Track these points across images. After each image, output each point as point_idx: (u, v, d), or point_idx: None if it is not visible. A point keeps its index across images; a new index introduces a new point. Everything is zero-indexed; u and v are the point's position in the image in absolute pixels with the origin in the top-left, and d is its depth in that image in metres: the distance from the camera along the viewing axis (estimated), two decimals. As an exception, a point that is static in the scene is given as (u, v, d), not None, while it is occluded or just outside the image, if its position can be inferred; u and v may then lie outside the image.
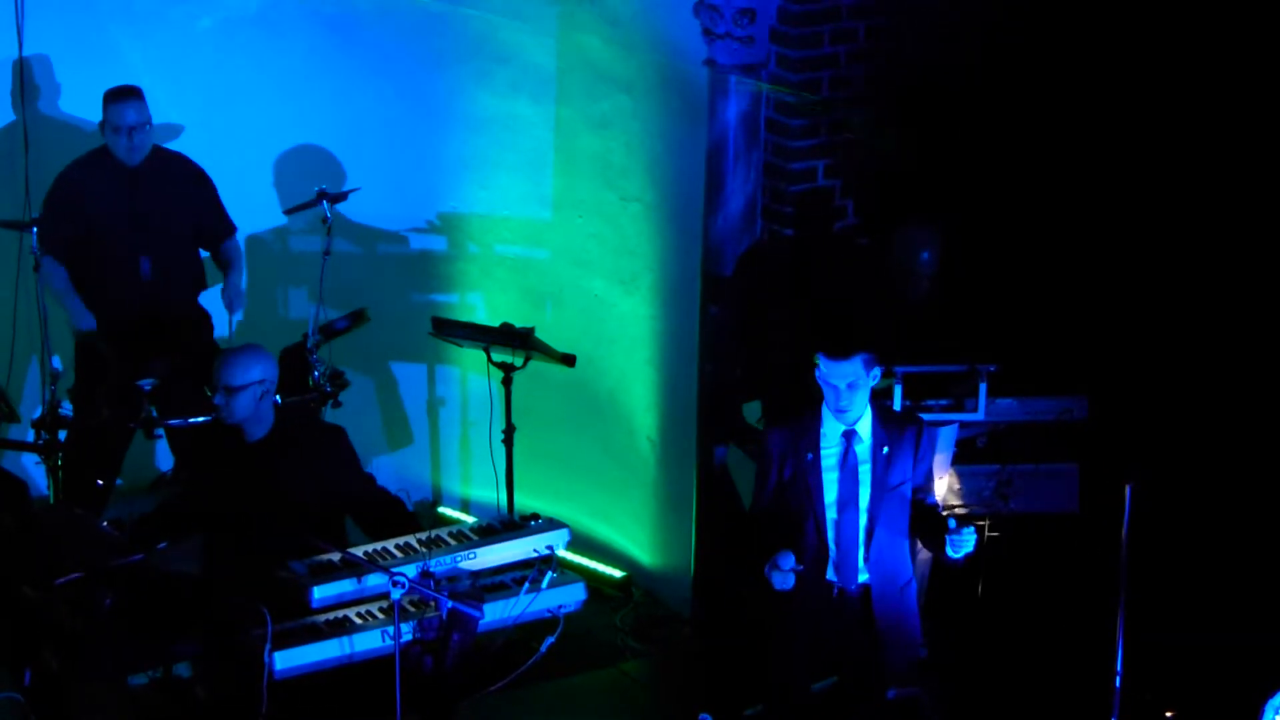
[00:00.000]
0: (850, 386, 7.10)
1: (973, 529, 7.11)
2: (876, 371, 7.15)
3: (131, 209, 8.89)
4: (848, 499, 7.20)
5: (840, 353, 7.08)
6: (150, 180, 8.93)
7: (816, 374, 7.15)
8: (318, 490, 7.54)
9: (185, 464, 8.92)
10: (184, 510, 7.70)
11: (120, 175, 8.87)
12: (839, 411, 7.15)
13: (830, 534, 7.22)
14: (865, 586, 7.28)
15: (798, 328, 8.66)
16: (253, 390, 7.50)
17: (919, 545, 7.48)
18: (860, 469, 7.21)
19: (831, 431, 7.22)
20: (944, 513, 7.48)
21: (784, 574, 7.10)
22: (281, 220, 9.61)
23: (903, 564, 7.33)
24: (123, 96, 8.80)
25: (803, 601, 7.25)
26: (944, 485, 7.94)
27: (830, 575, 7.26)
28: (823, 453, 7.22)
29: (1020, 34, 8.56)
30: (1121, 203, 8.55)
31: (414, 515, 7.92)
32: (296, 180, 9.55)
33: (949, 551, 7.12)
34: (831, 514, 7.22)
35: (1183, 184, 8.35)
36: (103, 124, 8.85)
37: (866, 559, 7.25)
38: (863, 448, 7.21)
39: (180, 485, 7.98)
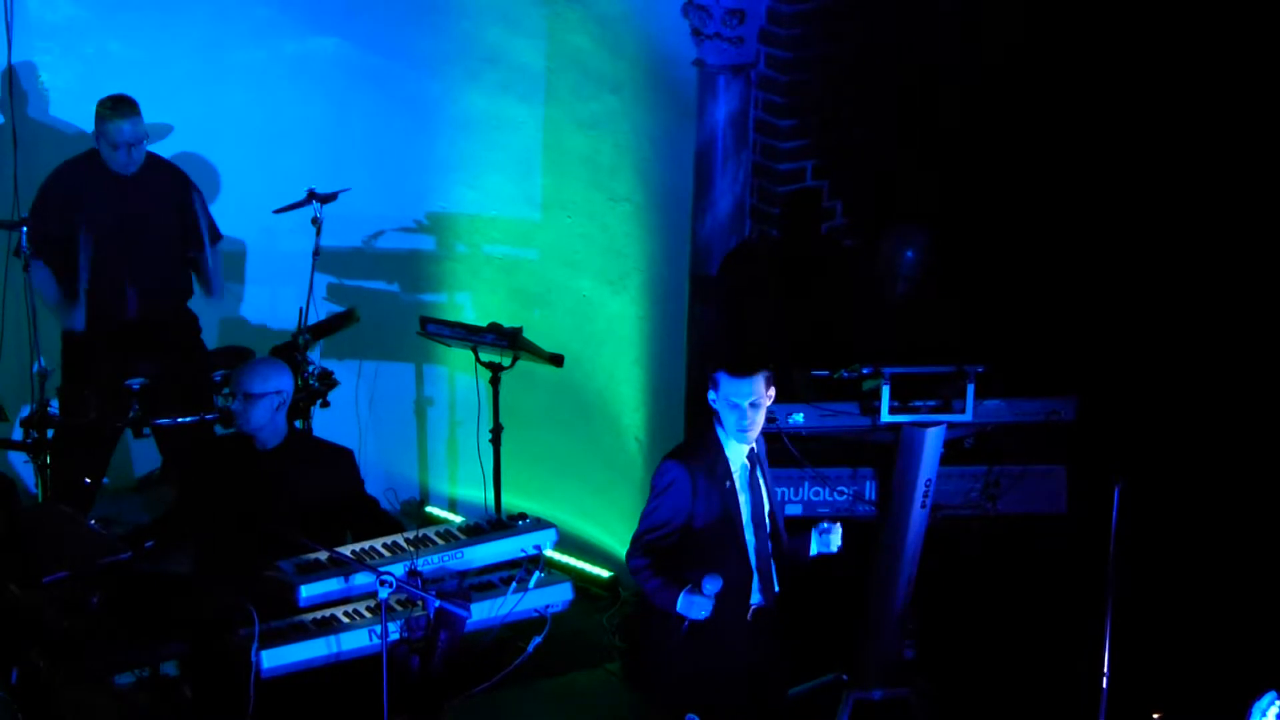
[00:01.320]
0: (753, 405, 7.07)
1: (839, 526, 7.18)
2: (773, 389, 7.15)
3: (122, 214, 8.87)
4: (758, 518, 7.21)
5: (745, 370, 7.06)
6: (141, 186, 8.91)
7: (714, 395, 7.10)
8: (322, 505, 7.57)
9: (180, 463, 8.92)
10: (189, 514, 7.73)
11: (112, 181, 8.85)
12: (742, 431, 7.11)
13: (752, 558, 7.21)
14: (777, 596, 7.29)
15: (782, 328, 8.67)
16: (270, 400, 7.56)
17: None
18: (760, 485, 7.23)
19: (735, 455, 7.19)
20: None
21: (705, 600, 6.97)
22: (271, 220, 9.60)
23: None
24: (120, 112, 8.73)
25: (721, 629, 7.17)
26: None
27: (755, 598, 7.22)
28: (735, 478, 7.19)
29: (1010, 35, 8.57)
30: (1110, 204, 8.55)
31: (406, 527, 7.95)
32: (286, 180, 9.55)
33: (815, 548, 7.20)
34: (750, 537, 7.20)
35: (1171, 185, 8.36)
36: (97, 134, 8.82)
37: (779, 572, 7.27)
38: (758, 467, 7.24)
39: (185, 487, 8.00)
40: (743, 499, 7.19)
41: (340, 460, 7.76)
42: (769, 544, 7.23)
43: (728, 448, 7.18)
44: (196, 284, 9.18)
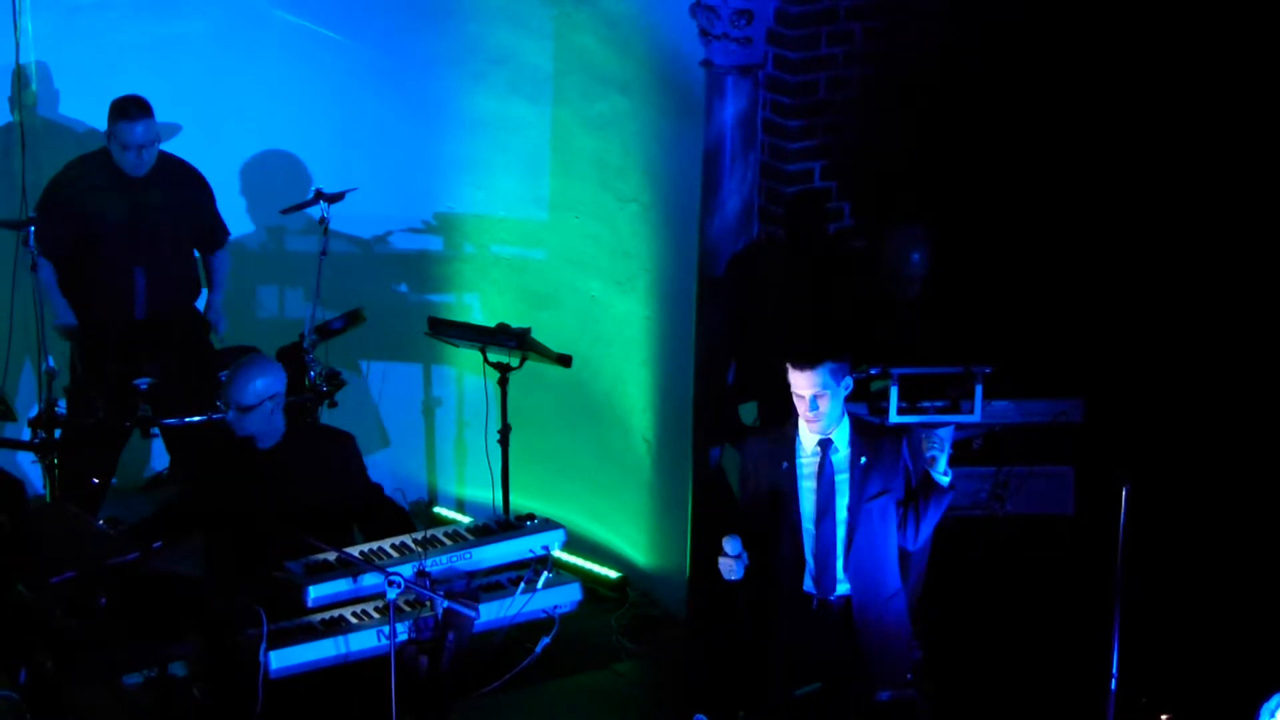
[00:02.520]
0: (816, 396, 7.09)
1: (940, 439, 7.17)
2: (848, 381, 7.14)
3: (131, 214, 8.87)
4: (825, 509, 7.18)
5: (806, 362, 7.08)
6: (150, 186, 8.91)
7: (789, 383, 7.15)
8: (326, 498, 7.56)
9: (184, 464, 8.92)
10: (190, 513, 7.72)
11: (121, 180, 8.85)
12: (809, 421, 7.14)
13: (808, 545, 7.19)
14: (845, 598, 7.25)
15: (788, 329, 8.67)
16: (264, 407, 7.53)
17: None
18: (837, 479, 7.19)
19: (808, 441, 7.20)
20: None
21: (730, 561, 7.03)
22: (278, 220, 9.61)
23: (888, 575, 7.28)
24: (133, 115, 8.72)
25: (782, 612, 7.23)
26: None
27: (808, 586, 7.23)
28: (799, 463, 7.19)
29: (1017, 36, 8.57)
30: (1118, 205, 8.55)
31: (413, 521, 7.94)
32: (293, 180, 9.55)
33: (936, 473, 7.14)
34: (808, 525, 7.19)
35: (1179, 185, 8.36)
36: (108, 134, 8.82)
37: (846, 569, 7.23)
38: (839, 458, 7.19)
39: (187, 488, 7.99)
40: (806, 486, 7.18)
41: (341, 446, 7.74)
42: (835, 540, 7.19)
43: (802, 433, 7.21)
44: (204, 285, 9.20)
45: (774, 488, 7.20)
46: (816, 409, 7.10)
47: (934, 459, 7.13)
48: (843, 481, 7.20)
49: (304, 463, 7.59)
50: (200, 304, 9.23)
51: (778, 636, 7.25)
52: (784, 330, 8.61)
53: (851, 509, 7.20)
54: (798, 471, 7.19)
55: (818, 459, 7.19)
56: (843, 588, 7.22)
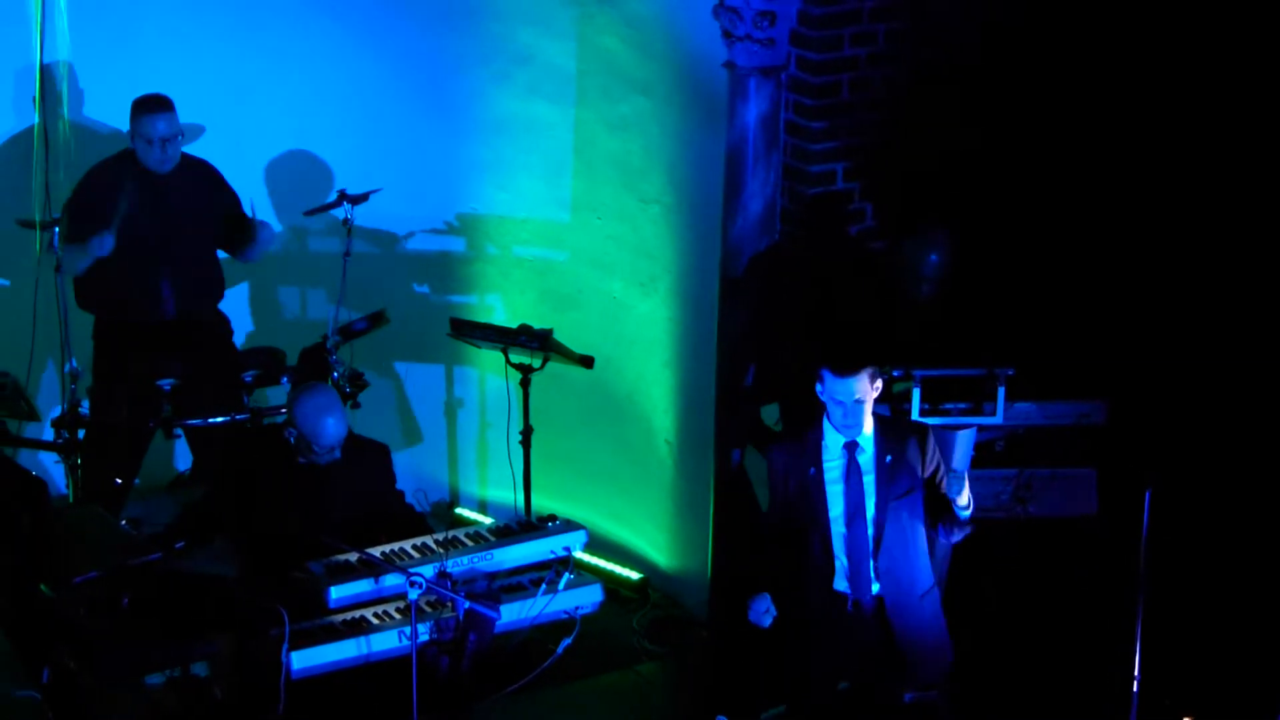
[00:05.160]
0: (857, 402, 7.09)
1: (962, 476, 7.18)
2: (878, 384, 7.15)
3: (155, 215, 8.88)
4: (854, 511, 7.18)
5: (848, 369, 7.07)
6: (175, 187, 8.92)
7: (819, 390, 7.14)
8: (363, 509, 7.59)
9: (212, 465, 8.92)
10: (215, 514, 7.75)
11: (146, 181, 8.87)
12: (846, 428, 7.14)
13: (840, 547, 7.20)
14: (878, 598, 7.26)
15: (808, 331, 8.66)
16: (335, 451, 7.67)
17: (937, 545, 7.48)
18: (865, 480, 7.19)
19: (833, 444, 7.19)
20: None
21: (759, 615, 7.19)
22: (302, 222, 9.62)
23: (919, 573, 7.29)
24: (154, 108, 8.76)
25: (816, 612, 7.26)
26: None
27: (840, 586, 7.23)
28: (825, 466, 7.19)
29: (1042, 38, 8.55)
30: (1142, 206, 8.53)
31: (430, 523, 7.96)
32: (316, 182, 9.56)
33: (957, 503, 7.17)
34: (839, 527, 7.19)
35: (1204, 188, 8.34)
36: (132, 133, 8.84)
37: (877, 570, 7.23)
38: (865, 458, 7.18)
39: (215, 489, 8.01)
40: (834, 489, 7.17)
41: (379, 458, 7.80)
42: (867, 540, 7.19)
43: (828, 436, 7.20)
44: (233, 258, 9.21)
45: (803, 493, 7.20)
46: (854, 415, 7.10)
47: (953, 500, 7.19)
48: (870, 482, 7.19)
49: (346, 476, 7.63)
50: (223, 306, 9.24)
51: (812, 637, 7.25)
52: (807, 333, 8.60)
53: (880, 508, 7.19)
54: (825, 475, 7.19)
55: (844, 461, 7.19)
56: (875, 588, 7.23)
